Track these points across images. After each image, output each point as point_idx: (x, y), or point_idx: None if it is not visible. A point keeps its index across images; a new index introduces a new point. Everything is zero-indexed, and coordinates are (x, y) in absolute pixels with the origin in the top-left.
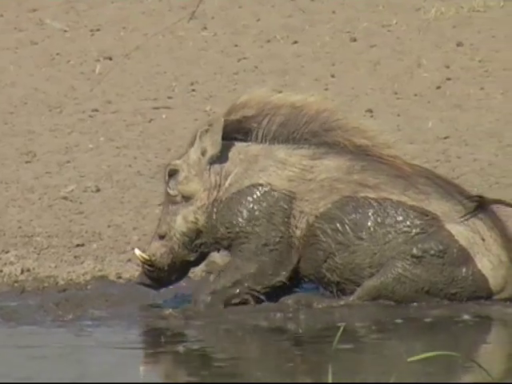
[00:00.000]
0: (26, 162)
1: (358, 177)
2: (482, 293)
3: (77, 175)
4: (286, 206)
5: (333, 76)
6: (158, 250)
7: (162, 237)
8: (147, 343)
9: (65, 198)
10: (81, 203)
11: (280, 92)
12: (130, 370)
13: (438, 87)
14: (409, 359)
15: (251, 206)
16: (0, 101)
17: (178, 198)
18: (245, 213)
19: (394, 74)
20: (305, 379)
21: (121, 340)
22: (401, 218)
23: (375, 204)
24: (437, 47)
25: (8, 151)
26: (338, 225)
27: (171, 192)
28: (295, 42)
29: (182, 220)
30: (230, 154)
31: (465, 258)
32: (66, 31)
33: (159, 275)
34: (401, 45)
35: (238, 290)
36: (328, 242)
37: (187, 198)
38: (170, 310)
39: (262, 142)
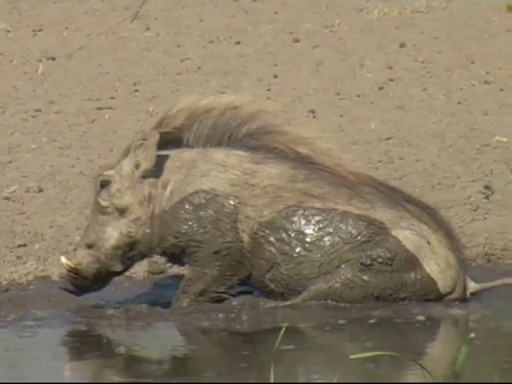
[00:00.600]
0: None
1: (303, 186)
2: (431, 296)
3: (19, 175)
4: (231, 212)
5: (275, 76)
6: (85, 259)
7: (89, 246)
8: (88, 344)
9: (7, 198)
10: (23, 203)
11: (223, 93)
12: (70, 369)
13: (381, 88)
14: (351, 356)
15: (197, 213)
16: None
17: (110, 210)
18: (192, 221)
19: (336, 74)
20: (247, 379)
21: (61, 340)
22: (347, 228)
23: (321, 214)
24: (380, 48)
25: None
26: (283, 235)
27: (103, 203)
28: (238, 43)
29: (115, 232)
30: (165, 164)
31: (413, 262)
32: (8, 31)
33: (83, 283)
34: (343, 45)
35: (206, 298)
36: (272, 252)
37: (120, 211)
38: (113, 310)
39: (194, 146)
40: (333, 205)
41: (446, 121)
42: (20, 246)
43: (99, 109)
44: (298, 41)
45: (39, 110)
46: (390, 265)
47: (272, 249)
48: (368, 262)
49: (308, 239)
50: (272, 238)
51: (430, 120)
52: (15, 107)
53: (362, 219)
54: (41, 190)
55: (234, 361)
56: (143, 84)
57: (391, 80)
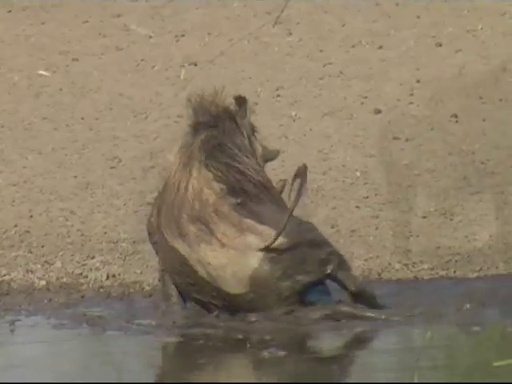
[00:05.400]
0: (111, 168)
1: None
2: None
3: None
4: None
5: (418, 81)
6: None
7: None
8: None
9: (150, 203)
10: None
11: (365, 98)
12: None
13: None
14: (495, 364)
15: None
16: (85, 106)
17: None
18: None
19: (479, 78)
20: None
21: None
22: None
23: None
24: None
25: (93, 157)
26: None
27: None
28: (380, 47)
29: None
30: None
31: None
32: (150, 37)
33: None
34: (486, 49)
35: None
36: None
37: None
38: None
39: None
40: None
41: None
42: None
43: None
44: (440, 45)
45: (181, 116)
46: None
47: None
48: None
49: None
50: None
51: None
52: (158, 113)
53: None
54: None
55: None
56: (286, 88)
57: None
